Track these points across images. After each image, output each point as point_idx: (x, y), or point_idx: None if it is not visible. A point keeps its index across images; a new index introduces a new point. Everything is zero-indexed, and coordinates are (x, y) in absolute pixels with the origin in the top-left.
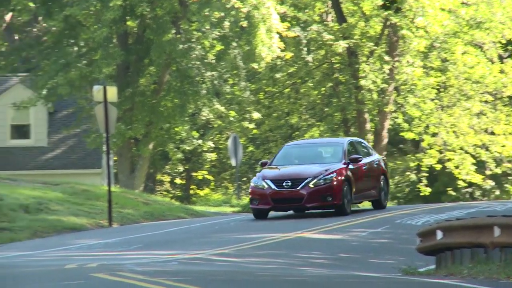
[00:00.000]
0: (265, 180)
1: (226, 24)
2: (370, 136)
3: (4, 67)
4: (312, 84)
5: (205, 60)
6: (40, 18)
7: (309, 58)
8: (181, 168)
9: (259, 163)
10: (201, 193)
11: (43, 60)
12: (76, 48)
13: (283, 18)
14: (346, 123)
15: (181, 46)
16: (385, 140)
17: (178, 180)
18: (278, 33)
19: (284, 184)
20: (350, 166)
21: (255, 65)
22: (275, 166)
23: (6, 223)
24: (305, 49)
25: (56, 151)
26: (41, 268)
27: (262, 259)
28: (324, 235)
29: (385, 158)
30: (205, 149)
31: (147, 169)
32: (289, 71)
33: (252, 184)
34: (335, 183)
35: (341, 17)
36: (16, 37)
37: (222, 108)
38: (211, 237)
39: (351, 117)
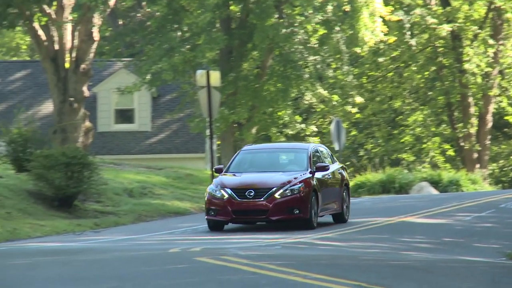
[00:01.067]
0: (225, 188)
1: (329, 8)
2: (474, 120)
3: (109, 52)
4: (415, 68)
5: (308, 45)
6: (144, 3)
7: (413, 42)
8: None
9: (214, 169)
10: None
11: (147, 45)
12: (179, 33)
13: (386, 2)
14: (450, 107)
15: (284, 30)
16: (489, 124)
17: None
18: (381, 17)
19: (246, 194)
20: (317, 175)
21: (358, 49)
22: (233, 173)
23: (111, 207)
24: (409, 33)
25: (159, 135)
26: (145, 252)
27: (365, 243)
28: (427, 220)
29: (345, 165)
30: (308, 133)
31: None
32: (392, 55)
33: (208, 192)
34: (302, 194)
35: (444, 1)
36: (120, 22)
37: (325, 92)
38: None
39: (455, 101)
